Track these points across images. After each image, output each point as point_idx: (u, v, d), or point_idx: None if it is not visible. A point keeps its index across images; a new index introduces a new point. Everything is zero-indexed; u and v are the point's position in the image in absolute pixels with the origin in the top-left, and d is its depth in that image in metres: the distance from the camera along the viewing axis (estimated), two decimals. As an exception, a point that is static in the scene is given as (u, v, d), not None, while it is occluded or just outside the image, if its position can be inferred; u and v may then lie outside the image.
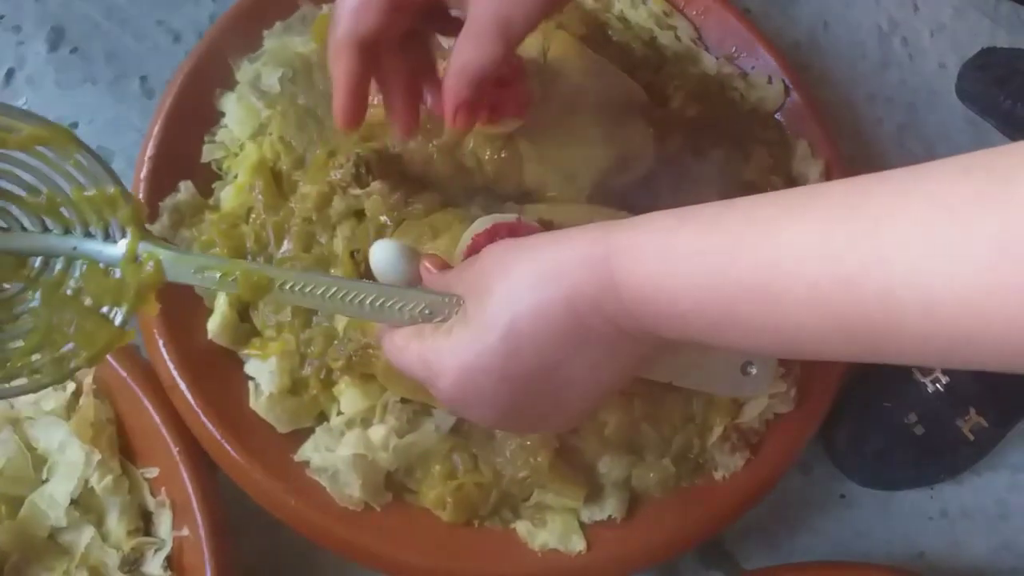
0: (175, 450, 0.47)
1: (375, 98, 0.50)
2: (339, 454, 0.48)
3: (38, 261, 0.37)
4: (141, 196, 0.51)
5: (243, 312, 0.51)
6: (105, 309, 0.37)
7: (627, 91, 0.50)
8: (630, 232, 0.33)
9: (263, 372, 0.49)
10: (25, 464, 0.47)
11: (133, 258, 0.37)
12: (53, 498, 0.46)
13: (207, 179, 0.54)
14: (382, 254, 0.42)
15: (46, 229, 0.37)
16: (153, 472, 0.48)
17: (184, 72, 0.55)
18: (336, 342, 0.48)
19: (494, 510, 0.48)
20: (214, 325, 0.50)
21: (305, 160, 0.53)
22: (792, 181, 0.58)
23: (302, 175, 0.52)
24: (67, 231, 0.37)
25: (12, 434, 0.48)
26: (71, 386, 0.49)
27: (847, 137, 0.70)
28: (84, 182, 0.36)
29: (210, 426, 0.47)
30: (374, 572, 0.49)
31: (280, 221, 0.52)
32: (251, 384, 0.49)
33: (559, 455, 0.48)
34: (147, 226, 0.38)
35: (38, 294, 0.37)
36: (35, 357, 0.36)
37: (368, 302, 0.38)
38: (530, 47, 0.50)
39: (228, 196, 0.53)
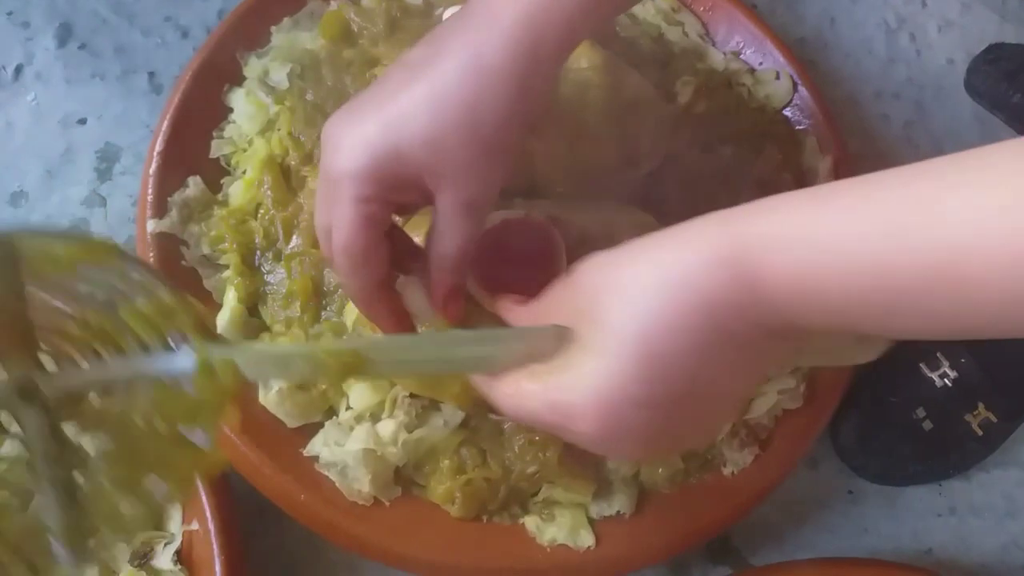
0: (184, 445, 0.47)
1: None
2: (348, 449, 0.48)
3: (96, 396, 0.32)
4: (149, 191, 0.52)
5: (252, 307, 0.51)
6: (183, 430, 0.31)
7: (636, 87, 0.50)
8: (760, 222, 0.30)
9: (272, 367, 0.49)
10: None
11: (207, 367, 0.31)
12: (63, 492, 0.46)
13: (216, 174, 0.54)
14: (417, 291, 0.41)
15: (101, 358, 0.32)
16: (162, 467, 0.48)
17: (192, 68, 0.55)
18: (345, 337, 0.48)
19: (503, 505, 0.48)
20: (223, 320, 0.50)
21: (314, 155, 0.53)
22: (802, 176, 0.58)
23: (311, 170, 0.52)
24: (126, 353, 0.32)
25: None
26: (81, 381, 0.49)
27: (854, 134, 0.70)
28: (134, 294, 0.31)
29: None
30: (383, 567, 0.49)
31: (289, 216, 0.52)
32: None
33: (567, 450, 0.48)
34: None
35: (108, 433, 0.32)
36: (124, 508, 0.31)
37: (466, 354, 0.35)
38: (539, 42, 0.50)
39: (237, 191, 0.53)
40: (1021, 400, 0.57)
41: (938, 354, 0.57)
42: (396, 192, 0.37)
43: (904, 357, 0.58)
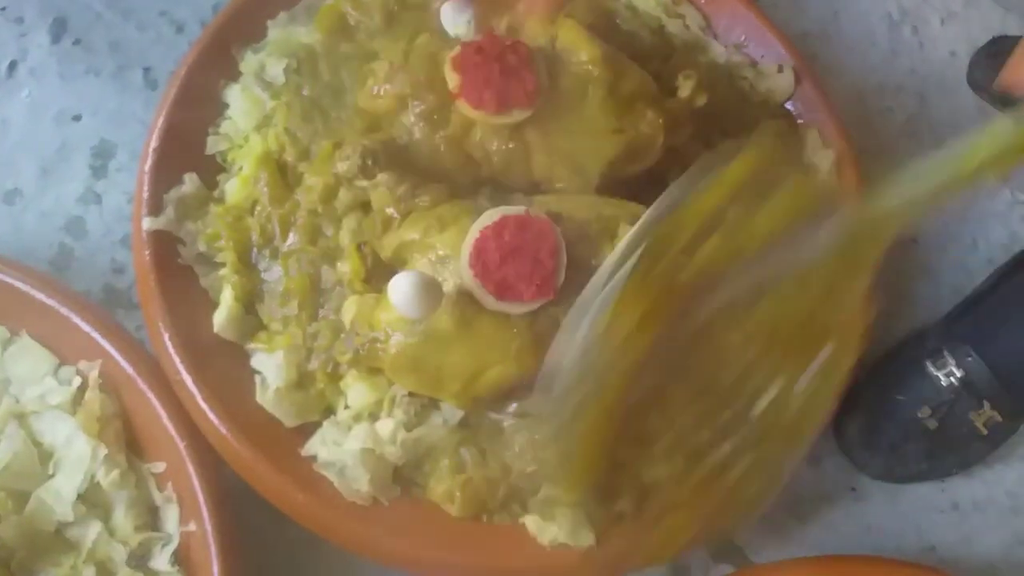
0: (181, 445, 0.47)
1: (382, 88, 0.49)
2: (347, 448, 0.47)
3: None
4: (145, 189, 0.51)
5: (249, 305, 0.51)
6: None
7: (636, 81, 0.50)
8: None
9: (270, 366, 0.49)
10: (31, 459, 0.47)
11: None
12: (59, 493, 0.46)
13: (212, 171, 0.53)
14: (402, 287, 0.41)
15: None
16: (160, 467, 0.48)
17: (187, 63, 0.54)
18: (343, 335, 0.48)
19: (503, 504, 0.48)
20: (220, 319, 0.49)
21: (311, 152, 0.52)
22: (804, 171, 0.57)
23: (307, 167, 0.52)
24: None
25: (18, 429, 0.47)
26: (77, 380, 0.49)
27: (857, 127, 0.69)
28: None
29: (216, 421, 0.46)
30: (382, 567, 0.49)
31: (285, 213, 0.51)
32: (258, 378, 0.49)
33: (568, 449, 0.47)
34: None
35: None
36: None
37: None
38: (538, 36, 0.50)
39: (233, 188, 0.53)
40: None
41: (945, 352, 0.56)
42: None
43: (911, 355, 0.58)
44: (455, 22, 0.48)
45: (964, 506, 0.60)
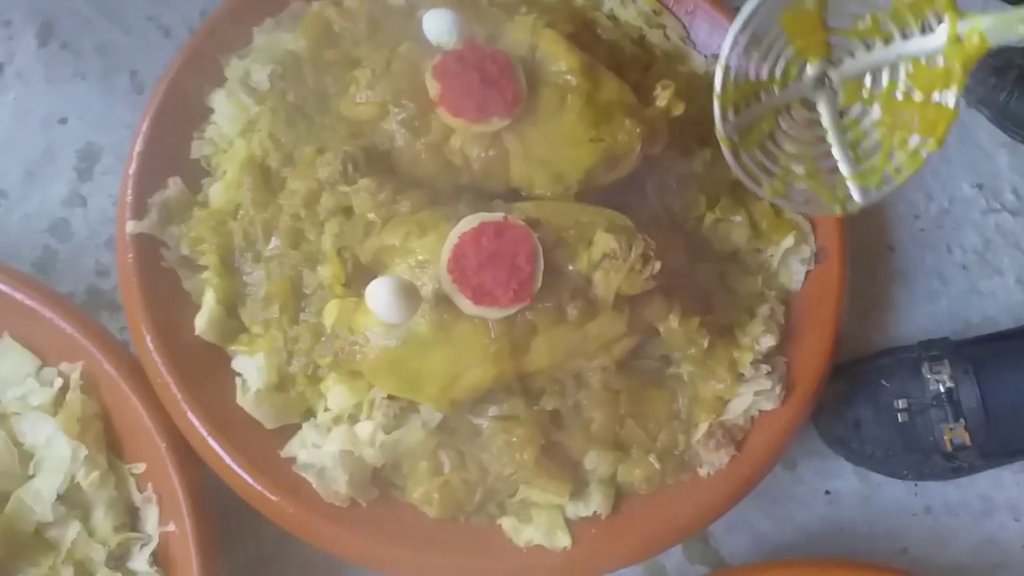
0: (162, 446, 0.47)
1: (364, 95, 0.50)
2: (326, 450, 0.48)
3: (868, 79, 0.43)
4: (129, 192, 0.52)
5: (231, 308, 0.51)
6: (936, 97, 0.41)
7: (614, 90, 0.50)
8: None
9: (250, 368, 0.50)
10: (12, 460, 0.47)
11: (955, 39, 0.40)
12: (39, 493, 0.47)
13: (196, 175, 0.54)
14: (380, 292, 0.42)
15: (869, 50, 0.43)
16: (140, 468, 0.48)
17: (173, 68, 0.55)
18: (323, 339, 0.48)
19: (480, 506, 0.49)
20: (202, 321, 0.50)
21: (294, 157, 0.53)
22: None
23: (291, 172, 0.52)
24: (887, 42, 0.42)
25: (-1, 429, 0.48)
26: (58, 381, 0.49)
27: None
28: None
29: (196, 422, 0.47)
30: (361, 567, 0.49)
31: (268, 218, 0.52)
32: (238, 380, 0.50)
33: (544, 452, 0.48)
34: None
35: (876, 106, 0.43)
36: (894, 159, 0.43)
37: None
38: (518, 45, 0.50)
39: (217, 192, 0.53)
40: (1007, 440, 0.57)
41: (946, 361, 0.57)
42: None
43: (912, 355, 0.59)
44: (437, 31, 0.49)
45: (936, 509, 0.60)
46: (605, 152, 0.49)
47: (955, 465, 0.58)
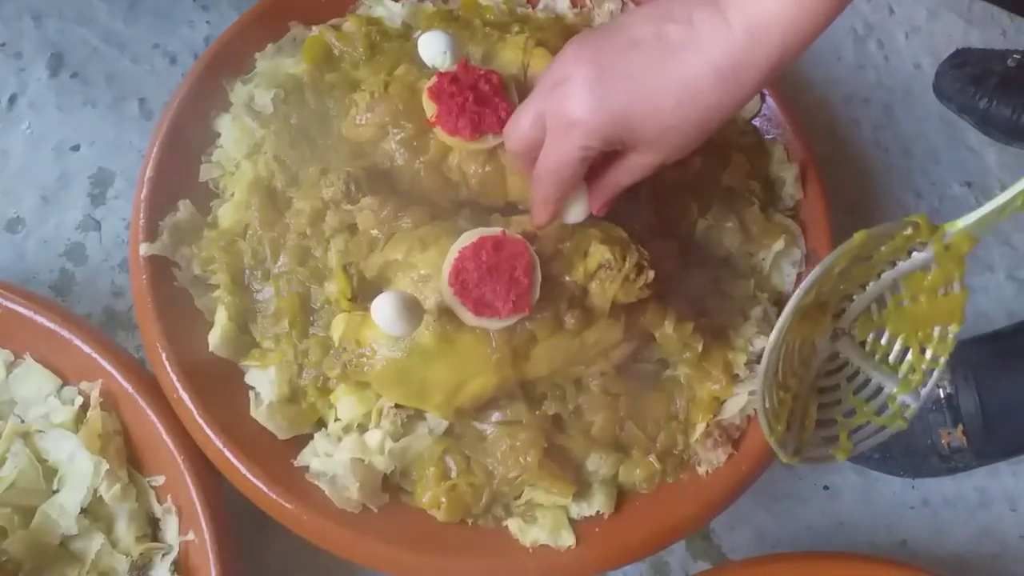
0: (180, 458, 0.49)
1: (364, 117, 0.52)
2: (337, 458, 0.50)
3: (874, 306, 0.47)
4: (141, 216, 0.53)
5: (242, 325, 0.53)
6: (942, 291, 0.44)
7: (605, 104, 0.52)
8: None
9: (263, 381, 0.52)
10: (36, 476, 0.49)
11: (943, 250, 0.43)
12: (64, 507, 0.49)
13: (205, 197, 0.56)
14: (385, 307, 0.43)
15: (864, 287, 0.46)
16: (159, 480, 0.50)
17: (180, 95, 0.57)
18: (332, 351, 0.50)
19: (486, 509, 0.50)
20: (215, 338, 0.52)
21: (299, 177, 0.55)
22: (770, 184, 0.60)
23: (296, 192, 0.54)
24: (879, 275, 0.45)
25: (23, 447, 0.50)
26: (79, 399, 0.51)
27: (824, 138, 0.72)
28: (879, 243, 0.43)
29: (212, 435, 0.49)
30: (373, 571, 0.51)
31: (276, 237, 0.54)
32: (251, 393, 0.52)
33: (548, 454, 0.50)
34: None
35: (891, 322, 0.46)
36: (927, 352, 0.46)
37: None
38: (510, 64, 0.52)
39: (226, 213, 0.55)
40: (1003, 441, 0.58)
41: (946, 365, 0.58)
42: (610, 147, 0.44)
43: None
44: (432, 53, 0.50)
45: (934, 502, 0.62)
46: (598, 164, 0.51)
47: (951, 465, 0.59)
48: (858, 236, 0.41)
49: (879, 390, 0.48)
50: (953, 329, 0.45)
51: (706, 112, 0.41)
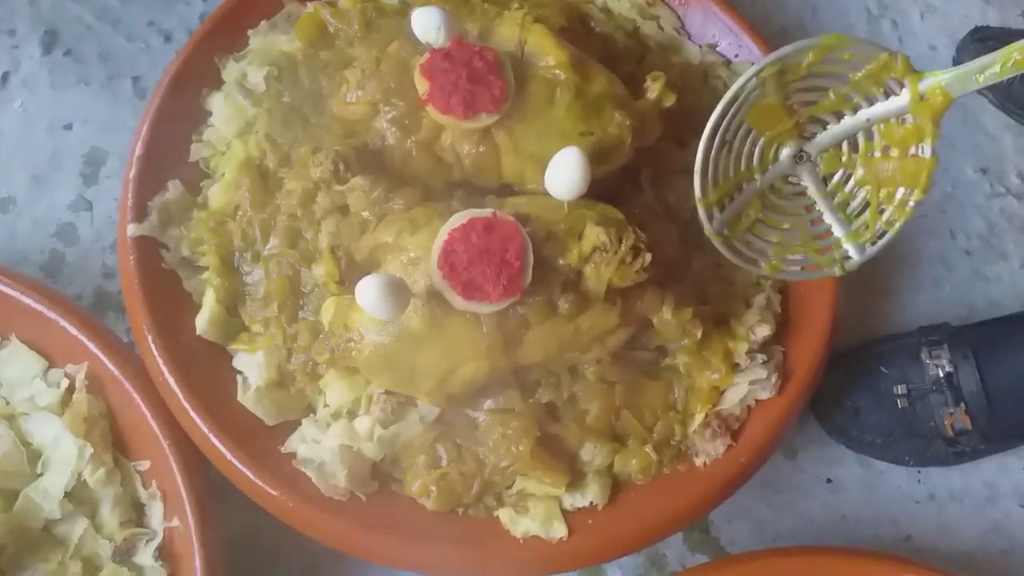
0: (165, 443, 0.48)
1: (355, 95, 0.50)
2: (325, 445, 0.49)
3: (845, 146, 0.46)
4: (130, 196, 0.53)
5: (231, 308, 0.52)
6: (913, 150, 0.44)
7: (603, 83, 0.51)
8: None
9: (251, 366, 0.51)
10: (20, 459, 0.49)
11: (918, 98, 0.42)
12: (47, 491, 0.48)
13: (196, 177, 0.55)
14: (370, 289, 0.42)
15: (839, 120, 0.45)
16: (145, 465, 0.49)
17: (171, 73, 0.56)
18: (321, 336, 0.49)
19: (477, 498, 0.49)
20: (202, 321, 0.51)
21: (291, 157, 0.53)
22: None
23: (288, 172, 0.53)
24: (856, 110, 0.45)
25: (7, 430, 0.49)
26: (64, 382, 0.50)
27: (835, 123, 0.70)
28: (857, 65, 0.43)
29: (198, 419, 0.48)
30: (362, 560, 0.50)
31: (266, 218, 0.53)
32: (239, 378, 0.51)
33: (540, 443, 0.49)
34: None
35: (859, 169, 0.46)
36: (884, 213, 0.46)
37: None
38: (507, 41, 0.51)
39: (216, 194, 0.54)
40: (1009, 423, 0.56)
41: (945, 346, 0.57)
42: None
43: (911, 341, 0.59)
44: (425, 28, 0.49)
45: (941, 496, 0.60)
46: (595, 146, 0.49)
47: (957, 450, 0.58)
48: (833, 35, 0.42)
49: (828, 233, 0.47)
50: (916, 196, 0.44)
51: None
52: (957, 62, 0.70)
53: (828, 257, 0.47)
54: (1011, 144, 0.70)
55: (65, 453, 0.48)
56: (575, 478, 0.50)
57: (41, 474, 0.49)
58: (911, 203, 0.45)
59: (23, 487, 0.48)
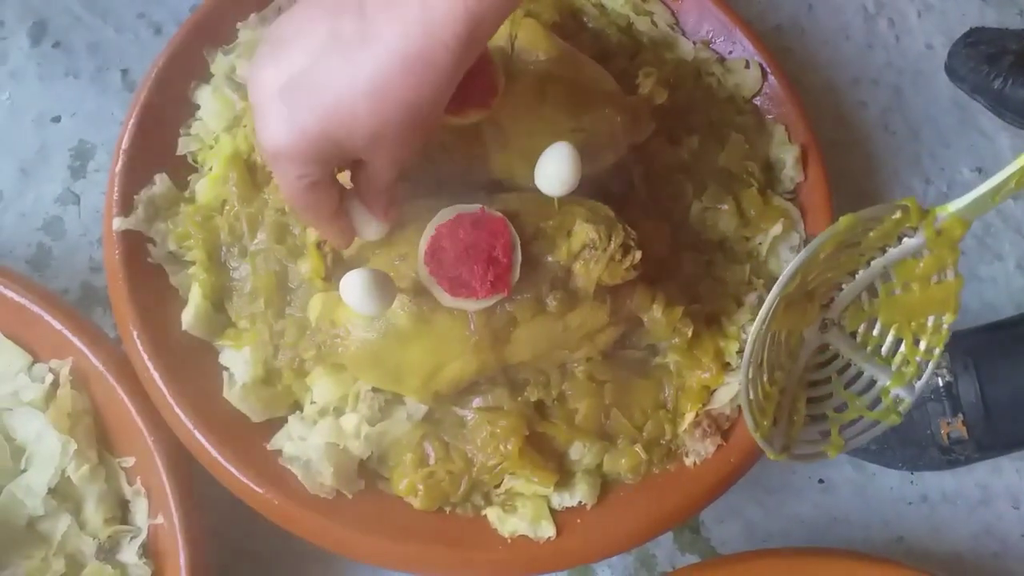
0: (150, 440, 0.48)
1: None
2: (312, 443, 0.48)
3: (864, 295, 0.45)
4: (116, 189, 0.52)
5: (218, 303, 0.52)
6: (936, 279, 0.44)
7: (596, 79, 0.50)
8: None
9: (237, 362, 0.50)
10: (3, 454, 0.48)
11: (935, 235, 0.42)
12: (31, 487, 0.47)
13: (183, 171, 0.54)
14: (354, 284, 0.41)
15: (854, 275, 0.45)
16: (129, 461, 0.49)
17: (159, 65, 0.55)
18: (308, 332, 0.49)
19: (465, 497, 0.49)
20: (188, 316, 0.50)
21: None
22: (769, 167, 0.58)
23: (276, 166, 0.53)
24: (869, 263, 0.44)
25: (-10, 425, 0.49)
26: (49, 377, 0.50)
27: (830, 121, 0.70)
28: (868, 228, 0.42)
29: (183, 416, 0.47)
30: (347, 558, 0.50)
31: (254, 213, 0.52)
32: (225, 374, 0.50)
33: (529, 442, 0.48)
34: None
35: (882, 312, 0.45)
36: (920, 344, 0.45)
37: None
38: (497, 36, 0.50)
39: (203, 188, 0.53)
40: (1005, 433, 0.56)
41: (946, 353, 0.56)
42: (332, 164, 0.40)
43: None
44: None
45: (933, 498, 0.60)
46: (586, 142, 0.49)
47: (951, 458, 0.57)
48: (844, 220, 0.39)
49: (872, 383, 0.46)
50: (948, 319, 0.44)
51: (406, 107, 0.36)
52: (949, 68, 0.70)
53: (881, 409, 0.46)
54: (1007, 144, 0.70)
55: (49, 449, 0.48)
56: (564, 477, 0.49)
57: (24, 470, 0.48)
58: (944, 327, 0.44)
59: (6, 483, 0.48)
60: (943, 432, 0.56)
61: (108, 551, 0.47)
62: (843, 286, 0.45)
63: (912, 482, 0.60)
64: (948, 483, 0.60)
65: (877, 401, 0.46)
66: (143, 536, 0.48)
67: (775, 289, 0.40)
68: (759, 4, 0.72)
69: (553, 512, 0.49)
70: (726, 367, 0.51)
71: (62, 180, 0.62)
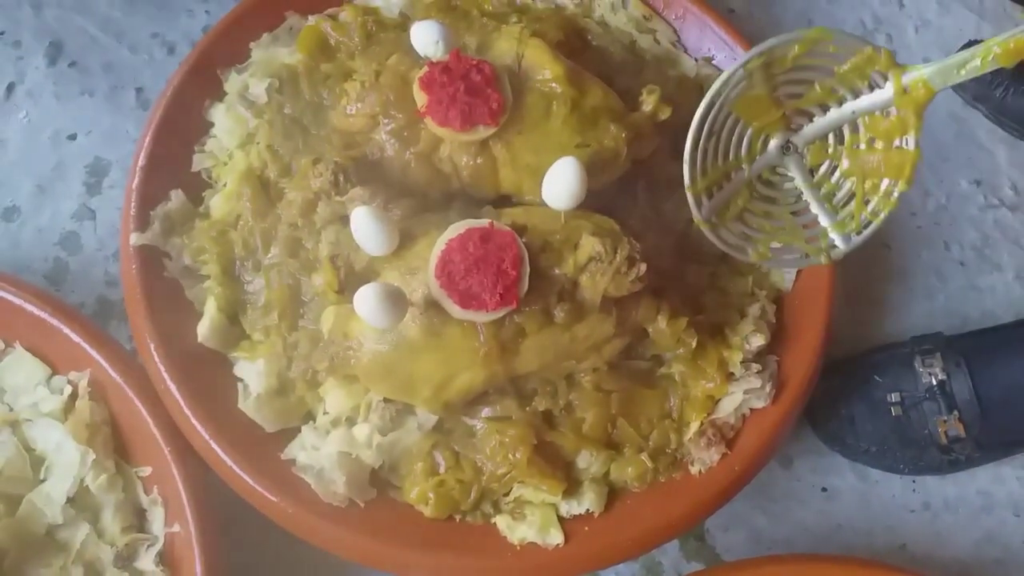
0: (167, 450, 0.49)
1: (354, 107, 0.51)
2: (324, 452, 0.49)
3: (831, 138, 0.47)
4: (132, 205, 0.53)
5: (232, 316, 0.53)
6: (898, 143, 0.45)
7: (599, 96, 0.51)
8: None
9: (251, 374, 0.51)
10: (23, 464, 0.49)
11: (902, 91, 0.43)
12: (50, 497, 0.48)
13: (198, 187, 0.56)
14: (367, 298, 0.43)
15: (825, 112, 0.46)
16: (146, 471, 0.50)
17: (173, 84, 0.56)
18: (321, 344, 0.50)
19: (475, 505, 0.50)
20: (204, 329, 0.51)
21: (291, 168, 0.54)
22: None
23: (288, 182, 0.54)
24: (841, 103, 0.45)
25: (11, 436, 0.50)
26: (67, 389, 0.51)
27: (830, 135, 0.71)
28: (841, 58, 0.44)
29: (199, 426, 0.48)
30: (360, 566, 0.51)
31: (267, 227, 0.53)
32: (240, 385, 0.51)
33: (537, 451, 0.49)
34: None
35: (845, 160, 0.47)
36: (870, 204, 0.46)
37: None
38: (504, 55, 0.51)
39: (218, 204, 0.55)
40: (1003, 430, 0.57)
41: (938, 354, 0.57)
42: None
43: (904, 350, 0.59)
44: (424, 42, 0.50)
45: (935, 505, 0.61)
46: (591, 158, 0.50)
47: (952, 458, 0.58)
48: (817, 28, 0.43)
49: (814, 222, 0.48)
50: (900, 187, 0.45)
51: None
52: None
53: (815, 246, 0.48)
54: (1005, 156, 0.71)
55: (68, 459, 0.49)
56: (571, 485, 0.50)
57: (44, 480, 0.49)
58: (895, 194, 0.46)
59: (26, 492, 0.49)
60: (941, 431, 0.57)
61: (126, 559, 0.48)
62: (814, 118, 0.47)
63: (914, 490, 0.61)
64: (950, 491, 0.61)
65: (814, 239, 0.48)
66: (160, 544, 0.49)
67: (740, 59, 0.44)
68: (759, 21, 0.74)
69: (561, 520, 0.50)
70: (730, 377, 0.52)
71: (78, 196, 0.63)
